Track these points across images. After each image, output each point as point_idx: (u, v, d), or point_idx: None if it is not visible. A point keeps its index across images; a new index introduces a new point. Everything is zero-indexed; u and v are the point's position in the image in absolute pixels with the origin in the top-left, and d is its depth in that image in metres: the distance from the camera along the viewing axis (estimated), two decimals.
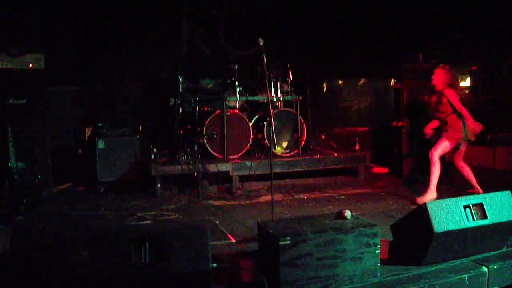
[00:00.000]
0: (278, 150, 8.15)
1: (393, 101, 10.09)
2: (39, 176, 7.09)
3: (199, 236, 3.49)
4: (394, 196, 7.41)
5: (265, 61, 5.27)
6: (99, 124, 8.40)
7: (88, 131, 8.91)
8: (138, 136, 8.32)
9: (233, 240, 5.14)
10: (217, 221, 6.02)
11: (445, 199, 4.24)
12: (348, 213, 4.15)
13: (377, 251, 3.90)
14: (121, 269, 3.35)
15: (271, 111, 5.08)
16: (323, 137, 9.75)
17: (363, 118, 11.05)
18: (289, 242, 3.60)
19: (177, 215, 6.39)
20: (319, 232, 3.76)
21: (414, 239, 4.28)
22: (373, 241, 3.88)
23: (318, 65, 9.89)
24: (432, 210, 4.07)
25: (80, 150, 8.72)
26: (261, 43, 5.31)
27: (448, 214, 4.11)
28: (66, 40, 8.51)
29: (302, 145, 8.39)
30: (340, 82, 11.06)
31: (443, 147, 6.79)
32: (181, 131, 8.49)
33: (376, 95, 11.18)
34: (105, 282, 3.35)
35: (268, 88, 5.16)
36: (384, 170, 9.59)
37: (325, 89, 10.89)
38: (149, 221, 6.11)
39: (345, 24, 10.01)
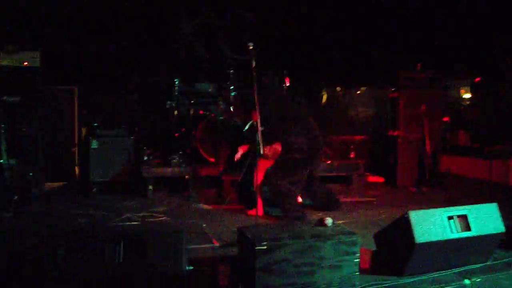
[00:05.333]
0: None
1: (390, 109, 10.08)
2: (30, 174, 7.08)
3: (175, 238, 3.47)
4: (386, 206, 7.35)
5: (254, 65, 5.24)
6: (94, 124, 8.39)
7: (83, 131, 8.91)
8: (132, 137, 8.29)
9: (217, 244, 5.11)
10: (204, 225, 6.00)
11: (429, 210, 4.21)
12: (329, 221, 4.12)
13: (356, 260, 3.87)
14: (94, 268, 3.33)
15: (258, 114, 5.04)
16: None
17: (361, 127, 10.97)
18: (265, 247, 3.58)
19: (165, 217, 6.37)
20: (297, 238, 3.73)
21: (396, 249, 4.26)
22: (352, 249, 3.85)
23: (316, 72, 9.86)
24: (415, 220, 4.04)
25: (74, 150, 8.70)
26: (251, 47, 5.28)
27: (431, 225, 4.08)
28: (63, 39, 8.52)
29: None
30: (338, 89, 11.01)
31: None
32: (176, 134, 8.47)
33: (376, 103, 11.11)
34: (78, 281, 3.33)
35: (256, 92, 5.09)
36: (380, 179, 9.52)
37: (323, 96, 10.84)
38: (136, 222, 6.09)
39: (344, 31, 9.99)
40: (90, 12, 8.85)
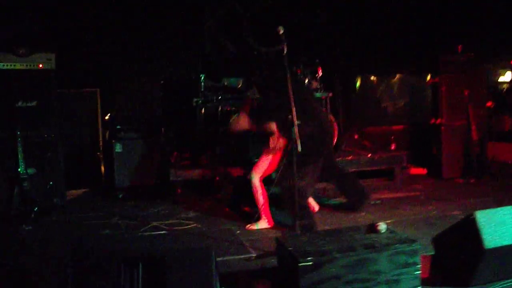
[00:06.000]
0: None
1: (429, 97, 9.48)
2: (51, 183, 6.65)
3: (203, 257, 2.94)
4: (434, 201, 6.75)
5: (285, 50, 4.67)
6: (117, 127, 7.96)
7: (106, 134, 8.48)
8: (158, 138, 7.83)
9: (253, 254, 4.58)
10: (238, 231, 5.48)
11: (498, 208, 3.60)
12: (382, 226, 3.55)
13: (417, 272, 3.30)
14: None
15: (294, 109, 4.48)
16: (355, 136, 9.11)
17: (398, 116, 10.37)
18: (311, 263, 3.03)
19: (195, 224, 5.86)
20: (348, 250, 3.18)
21: (460, 255, 3.65)
22: (413, 260, 3.28)
23: (349, 60, 9.26)
24: (482, 222, 3.44)
25: (97, 155, 8.29)
26: (281, 31, 4.72)
27: (502, 226, 3.48)
28: (79, 38, 8.07)
29: (333, 145, 7.77)
30: (373, 78, 10.39)
31: None
32: (204, 133, 7.99)
33: (412, 91, 10.49)
34: None
35: (290, 83, 4.53)
36: (422, 171, 8.90)
37: (357, 85, 10.23)
38: (163, 232, 5.61)
39: (378, 16, 9.34)
40: (109, 8, 8.38)
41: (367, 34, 9.33)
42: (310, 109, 5.62)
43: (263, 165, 5.66)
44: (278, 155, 5.61)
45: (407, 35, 9.36)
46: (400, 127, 9.81)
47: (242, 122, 5.86)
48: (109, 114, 8.33)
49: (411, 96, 10.45)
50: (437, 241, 3.99)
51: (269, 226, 5.60)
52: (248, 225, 5.66)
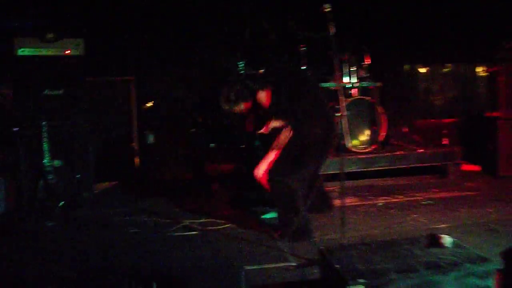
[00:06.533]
0: (355, 143, 6.99)
1: (483, 88, 8.78)
2: (78, 175, 6.26)
3: (228, 278, 2.44)
4: (493, 202, 6.08)
5: (333, 30, 4.12)
6: (151, 116, 7.59)
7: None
8: (194, 130, 7.40)
9: (292, 263, 4.06)
10: (276, 235, 4.97)
11: None
12: (447, 240, 2.99)
13: None
14: None
15: (343, 99, 3.94)
16: (404, 130, 8.49)
17: (449, 108, 9.72)
18: (363, 286, 2.50)
19: (230, 224, 5.37)
20: (407, 270, 2.62)
21: None
22: (485, 283, 2.71)
23: (398, 48, 8.62)
24: None
25: (133, 145, 7.91)
26: (327, 9, 4.18)
27: None
28: (110, 23, 7.64)
29: (381, 139, 7.19)
30: (422, 67, 9.73)
31: None
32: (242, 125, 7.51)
33: (464, 81, 9.81)
34: None
35: (338, 68, 3.99)
36: (476, 168, 8.23)
37: (406, 75, 9.58)
38: (194, 232, 5.14)
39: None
40: None
41: (419, 20, 8.66)
42: (319, 107, 5.00)
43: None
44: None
45: (463, 21, 8.65)
46: (451, 120, 9.16)
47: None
48: (148, 103, 7.96)
49: (463, 87, 9.79)
50: (507, 256, 3.40)
51: None
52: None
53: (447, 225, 5.21)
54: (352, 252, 2.93)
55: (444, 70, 9.84)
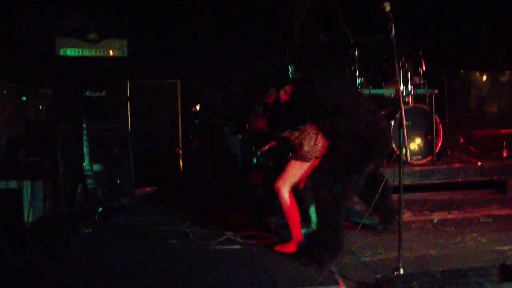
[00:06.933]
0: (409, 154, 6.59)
1: None
2: (118, 181, 6.05)
3: None
4: None
5: (393, 32, 3.76)
6: (195, 121, 7.34)
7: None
8: (240, 135, 7.12)
9: (343, 287, 3.70)
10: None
11: None
12: None
13: None
14: None
15: (402, 107, 3.57)
16: (461, 140, 7.99)
17: (507, 118, 9.16)
18: None
19: (276, 238, 5.02)
20: None
21: None
22: None
23: (455, 53, 8.15)
24: None
25: (178, 150, 7.70)
26: (388, 8, 3.82)
27: None
28: (155, 23, 7.44)
29: (437, 150, 6.76)
30: (480, 73, 9.19)
31: None
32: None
33: None
34: None
35: (398, 76, 3.64)
36: None
37: (462, 82, 9.07)
38: (237, 246, 4.82)
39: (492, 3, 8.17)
40: None
41: (479, 23, 8.18)
42: (357, 108, 4.54)
43: (294, 175, 4.69)
44: (315, 162, 4.64)
45: None
46: (509, 130, 8.61)
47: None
48: (195, 107, 7.75)
49: None
50: None
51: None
52: (279, 245, 4.75)
53: (510, 247, 4.76)
54: (413, 284, 2.56)
55: (504, 75, 9.30)
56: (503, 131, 8.48)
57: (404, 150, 3.61)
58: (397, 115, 6.42)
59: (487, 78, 9.17)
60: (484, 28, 8.29)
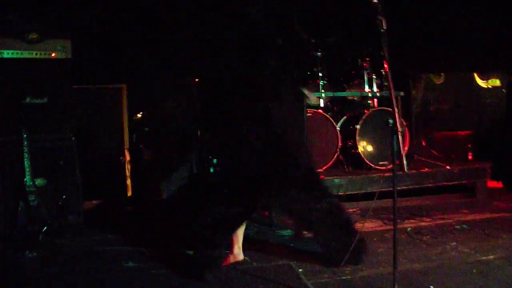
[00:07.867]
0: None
1: (499, 99, 8.30)
2: (64, 197, 5.48)
3: None
4: None
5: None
6: (145, 129, 6.85)
7: (133, 138, 7.35)
8: (194, 144, 6.68)
9: None
10: (300, 269, 4.21)
11: None
12: None
13: None
14: None
15: (396, 111, 3.22)
16: (423, 143, 7.79)
17: (463, 119, 9.06)
18: None
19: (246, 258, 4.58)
20: None
21: None
22: None
23: (417, 55, 7.95)
24: None
25: (123, 159, 7.17)
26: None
27: None
28: (102, 24, 6.91)
29: (404, 154, 6.49)
30: (438, 75, 9.04)
31: None
32: None
33: (478, 92, 9.16)
34: None
35: (390, 79, 3.35)
36: (497, 184, 7.56)
37: (423, 84, 8.90)
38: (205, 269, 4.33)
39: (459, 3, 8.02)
40: None
41: (443, 24, 8.01)
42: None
43: None
44: None
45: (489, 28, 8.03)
46: (466, 132, 8.50)
47: None
48: (139, 114, 7.24)
49: (477, 97, 9.14)
50: None
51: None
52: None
53: (494, 256, 4.50)
54: None
55: (460, 78, 9.18)
56: (460, 132, 8.37)
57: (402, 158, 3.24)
58: (364, 118, 6.18)
59: (446, 80, 9.05)
60: (444, 31, 8.13)
